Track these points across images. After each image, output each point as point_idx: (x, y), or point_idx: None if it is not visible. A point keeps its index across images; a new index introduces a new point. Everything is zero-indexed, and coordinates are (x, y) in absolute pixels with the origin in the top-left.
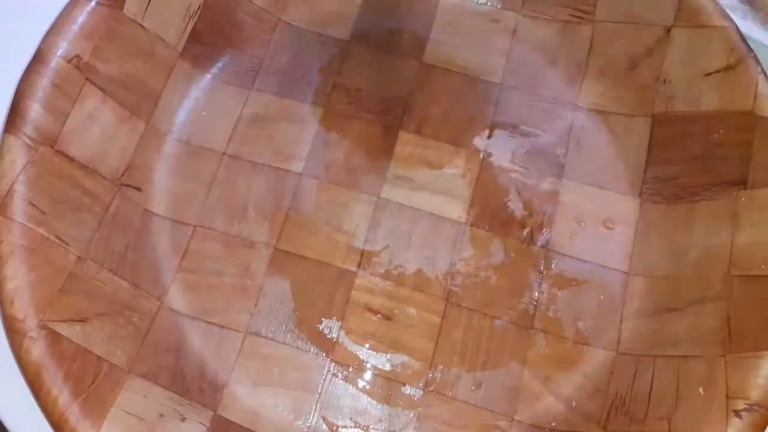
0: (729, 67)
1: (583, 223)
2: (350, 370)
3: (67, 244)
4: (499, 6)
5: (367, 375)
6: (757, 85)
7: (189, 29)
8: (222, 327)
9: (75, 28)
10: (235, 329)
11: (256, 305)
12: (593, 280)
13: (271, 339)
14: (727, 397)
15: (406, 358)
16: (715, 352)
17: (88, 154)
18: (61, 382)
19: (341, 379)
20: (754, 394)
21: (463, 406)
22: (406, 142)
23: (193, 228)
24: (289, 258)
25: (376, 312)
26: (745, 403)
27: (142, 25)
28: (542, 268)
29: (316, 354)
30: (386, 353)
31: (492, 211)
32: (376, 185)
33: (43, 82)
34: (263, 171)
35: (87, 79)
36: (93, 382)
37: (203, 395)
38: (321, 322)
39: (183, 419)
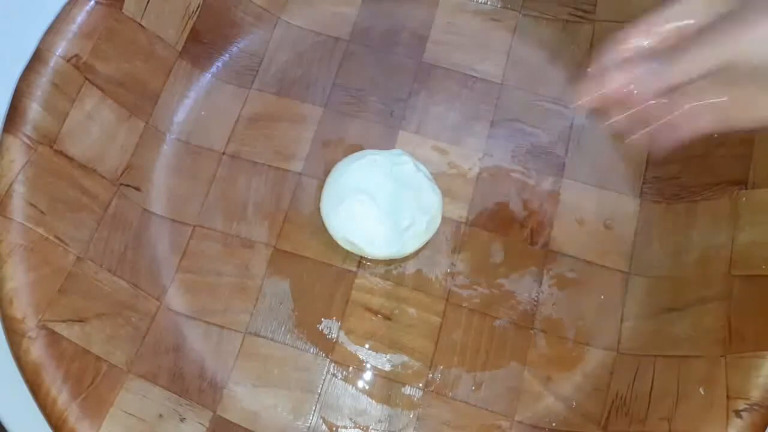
0: None
1: (583, 223)
2: (350, 370)
3: (66, 244)
4: (499, 5)
5: (367, 375)
6: None
7: (188, 28)
8: (222, 327)
9: (74, 27)
10: (235, 329)
11: (255, 305)
12: (593, 280)
13: (270, 339)
14: (727, 397)
15: (406, 358)
16: (716, 352)
17: (88, 153)
18: (61, 382)
19: (341, 379)
20: (755, 394)
21: (463, 406)
22: (406, 142)
23: (193, 228)
24: (289, 258)
25: (376, 312)
26: (746, 403)
27: (141, 25)
28: (542, 268)
29: (316, 354)
30: (386, 353)
31: (492, 211)
32: None
33: (43, 82)
34: (263, 171)
35: (86, 78)
36: (92, 382)
37: (203, 395)
38: (321, 322)
39: (182, 419)
